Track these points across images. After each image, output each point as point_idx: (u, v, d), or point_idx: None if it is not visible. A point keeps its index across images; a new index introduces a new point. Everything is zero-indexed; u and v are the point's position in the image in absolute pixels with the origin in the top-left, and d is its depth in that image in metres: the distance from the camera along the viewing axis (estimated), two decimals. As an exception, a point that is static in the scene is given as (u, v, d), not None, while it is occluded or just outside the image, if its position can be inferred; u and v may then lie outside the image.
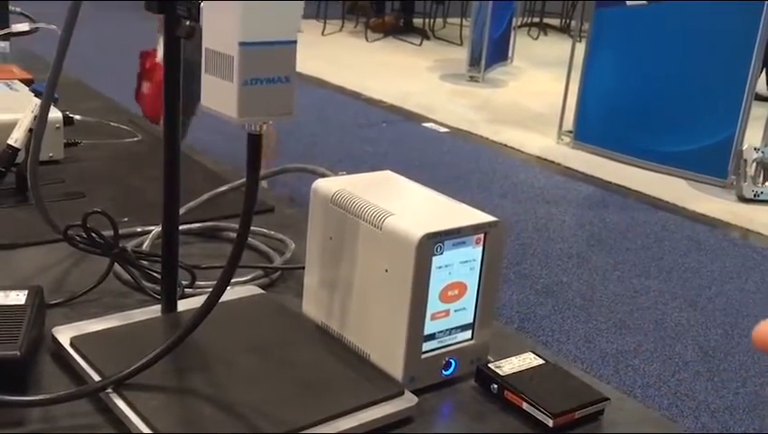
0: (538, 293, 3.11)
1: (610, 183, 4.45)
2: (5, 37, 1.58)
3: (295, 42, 0.61)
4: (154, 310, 0.80)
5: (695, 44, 4.40)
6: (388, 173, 0.84)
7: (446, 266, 0.71)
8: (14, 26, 1.48)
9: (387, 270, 0.71)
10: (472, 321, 0.75)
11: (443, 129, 5.31)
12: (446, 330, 0.74)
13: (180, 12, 0.67)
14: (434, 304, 0.71)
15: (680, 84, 4.48)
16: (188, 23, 0.67)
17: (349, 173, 0.84)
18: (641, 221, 3.95)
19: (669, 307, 3.09)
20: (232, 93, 0.60)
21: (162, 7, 0.69)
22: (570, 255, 3.48)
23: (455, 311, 0.73)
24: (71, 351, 0.72)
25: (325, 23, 8.20)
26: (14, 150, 1.06)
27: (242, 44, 0.59)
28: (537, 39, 9.00)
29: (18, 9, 1.64)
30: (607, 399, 0.72)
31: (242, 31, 0.59)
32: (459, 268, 0.72)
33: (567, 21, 9.28)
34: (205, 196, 1.07)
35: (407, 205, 0.75)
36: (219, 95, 0.61)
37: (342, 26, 8.50)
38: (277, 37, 0.61)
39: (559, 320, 2.93)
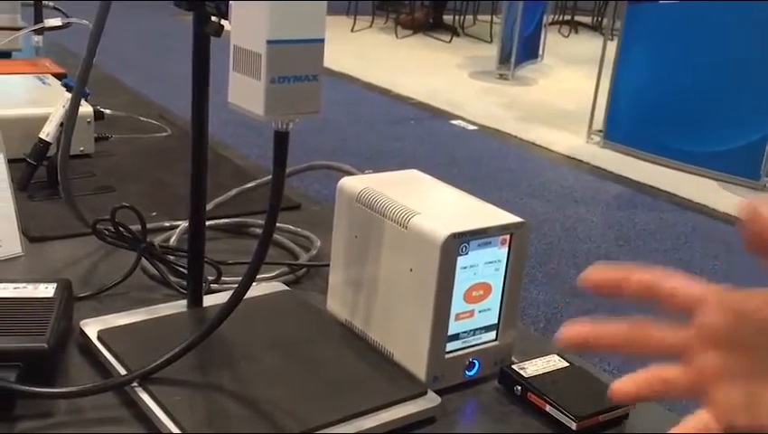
0: (566, 293, 3.09)
1: (640, 183, 4.41)
2: (39, 31, 1.60)
3: (322, 40, 0.61)
4: (180, 305, 0.80)
5: (728, 43, 4.33)
6: (414, 171, 0.84)
7: (471, 266, 0.71)
8: (47, 21, 1.50)
9: (411, 270, 0.71)
10: (496, 322, 0.75)
11: (471, 127, 5.30)
12: (470, 330, 0.73)
13: (209, 9, 0.68)
14: (458, 304, 0.71)
15: (713, 83, 4.42)
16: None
17: (377, 170, 0.84)
18: (670, 222, 3.91)
19: (698, 310, 3.05)
20: (259, 91, 0.60)
21: (191, 4, 0.70)
22: (598, 255, 3.45)
23: (480, 312, 0.73)
24: (98, 344, 0.73)
25: (355, 19, 8.20)
26: (46, 144, 1.08)
27: (270, 42, 0.59)
28: (568, 37, 8.94)
29: (51, 4, 1.66)
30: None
31: (270, 29, 0.59)
32: (484, 268, 0.72)
33: (599, 18, 9.20)
34: (233, 192, 1.08)
35: (432, 204, 0.75)
36: (246, 92, 0.62)
37: (372, 23, 8.50)
38: (305, 35, 0.61)
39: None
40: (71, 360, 0.73)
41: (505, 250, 0.72)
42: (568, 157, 4.78)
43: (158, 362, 0.67)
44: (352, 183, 0.78)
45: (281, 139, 0.63)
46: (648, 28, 4.68)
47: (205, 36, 0.71)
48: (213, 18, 0.68)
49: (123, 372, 0.69)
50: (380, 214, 0.74)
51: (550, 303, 3.00)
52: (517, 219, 0.72)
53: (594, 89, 5.03)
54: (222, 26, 0.67)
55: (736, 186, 4.37)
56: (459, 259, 0.69)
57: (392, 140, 4.82)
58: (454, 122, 5.38)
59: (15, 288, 0.75)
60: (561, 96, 6.13)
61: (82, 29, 1.15)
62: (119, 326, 0.75)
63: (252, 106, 0.61)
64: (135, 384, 0.67)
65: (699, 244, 3.66)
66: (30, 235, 0.95)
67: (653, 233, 3.75)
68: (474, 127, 5.28)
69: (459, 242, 0.69)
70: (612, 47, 4.90)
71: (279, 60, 0.60)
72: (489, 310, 0.74)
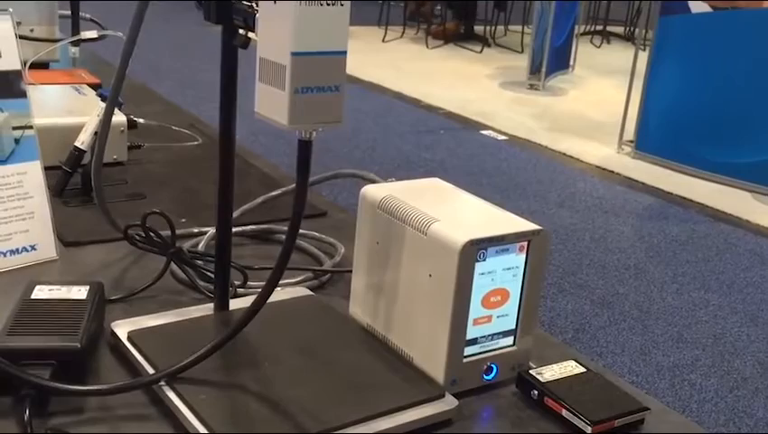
0: (594, 304, 3.08)
1: (671, 194, 4.37)
2: (76, 43, 1.64)
3: (344, 52, 0.64)
4: (208, 308, 0.83)
5: (760, 53, 4.29)
6: (436, 180, 0.86)
7: (489, 272, 0.72)
8: (83, 33, 1.55)
9: (431, 275, 0.73)
10: (514, 327, 0.76)
11: (501, 137, 5.30)
12: (488, 335, 0.75)
13: (237, 22, 0.70)
14: (476, 309, 0.73)
15: (745, 94, 4.38)
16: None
17: (405, 178, 0.86)
18: (702, 233, 3.88)
19: (729, 322, 3.02)
20: (284, 101, 0.62)
21: (219, 18, 0.72)
22: (628, 266, 3.43)
23: (498, 317, 0.75)
24: (128, 345, 0.75)
25: (386, 29, 8.24)
26: (81, 152, 1.11)
27: (294, 54, 0.62)
28: (599, 47, 8.89)
29: (88, 16, 1.71)
30: (647, 409, 0.72)
31: (294, 41, 0.61)
32: (502, 274, 0.73)
33: (631, 29, 9.14)
34: (259, 199, 1.11)
35: (452, 212, 0.77)
36: (271, 102, 0.64)
37: (403, 33, 8.53)
38: (328, 48, 0.63)
39: (615, 332, 2.89)
40: (102, 359, 0.76)
41: (523, 256, 0.74)
42: (599, 168, 4.76)
43: (185, 362, 0.69)
44: (375, 191, 0.80)
45: (304, 148, 0.65)
46: (680, 38, 4.65)
47: (233, 48, 0.73)
48: (241, 31, 0.70)
49: (151, 371, 0.71)
50: (401, 221, 0.75)
51: (578, 313, 2.99)
52: (534, 226, 0.74)
53: (626, 99, 5.01)
54: (249, 39, 0.70)
55: (770, 198, 4.32)
56: (477, 265, 0.71)
57: (421, 150, 4.84)
58: (484, 132, 5.38)
59: (50, 290, 0.78)
60: (592, 106, 6.10)
61: (117, 39, 1.19)
62: (148, 328, 0.78)
63: (277, 115, 0.64)
64: (162, 383, 0.70)
65: (731, 256, 3.63)
66: (64, 240, 0.99)
67: (684, 245, 3.72)
68: (504, 138, 5.28)
69: (477, 249, 0.70)
70: (644, 57, 4.87)
71: (303, 71, 0.62)
72: (507, 316, 0.75)
